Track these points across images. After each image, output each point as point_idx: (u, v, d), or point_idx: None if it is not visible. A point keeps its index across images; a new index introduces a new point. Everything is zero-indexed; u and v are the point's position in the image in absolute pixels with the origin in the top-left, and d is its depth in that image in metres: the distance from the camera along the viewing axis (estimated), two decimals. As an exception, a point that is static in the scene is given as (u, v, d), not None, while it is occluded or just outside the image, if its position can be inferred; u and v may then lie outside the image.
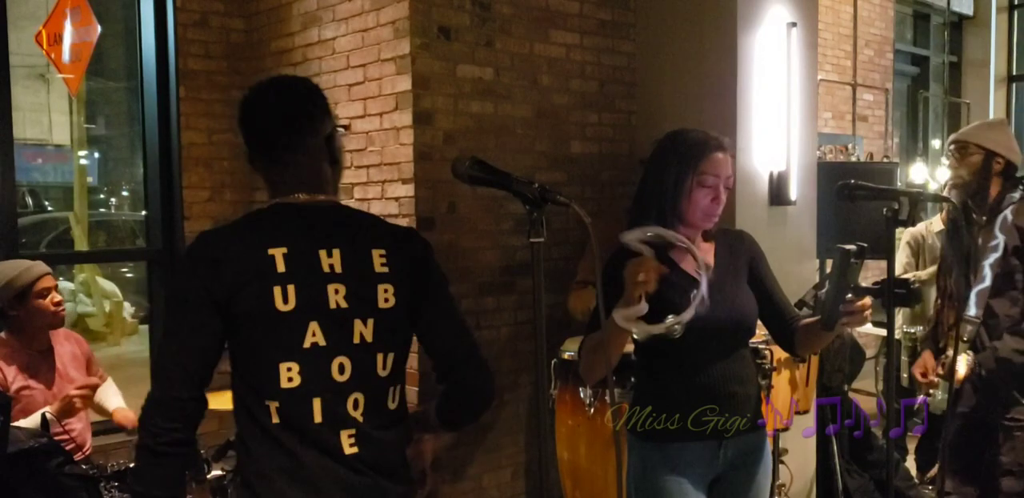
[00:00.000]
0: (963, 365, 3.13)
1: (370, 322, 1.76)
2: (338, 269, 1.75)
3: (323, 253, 1.74)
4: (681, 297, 2.09)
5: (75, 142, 8.56)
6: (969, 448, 3.20)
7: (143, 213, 4.36)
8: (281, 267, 1.69)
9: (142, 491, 1.71)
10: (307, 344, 1.71)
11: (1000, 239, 3.13)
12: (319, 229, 1.77)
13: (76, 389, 2.97)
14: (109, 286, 8.63)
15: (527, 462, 3.83)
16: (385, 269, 1.79)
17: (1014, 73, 9.62)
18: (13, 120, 3.76)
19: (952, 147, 3.31)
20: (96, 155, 9.33)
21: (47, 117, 8.92)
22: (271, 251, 1.70)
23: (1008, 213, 3.14)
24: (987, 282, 3.15)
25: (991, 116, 9.36)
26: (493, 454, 3.73)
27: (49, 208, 9.36)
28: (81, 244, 7.97)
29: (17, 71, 4.46)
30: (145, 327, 4.82)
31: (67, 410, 2.96)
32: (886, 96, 8.24)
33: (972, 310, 3.17)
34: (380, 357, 1.78)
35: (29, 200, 8.89)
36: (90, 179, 8.99)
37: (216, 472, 3.11)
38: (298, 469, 1.71)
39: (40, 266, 3.15)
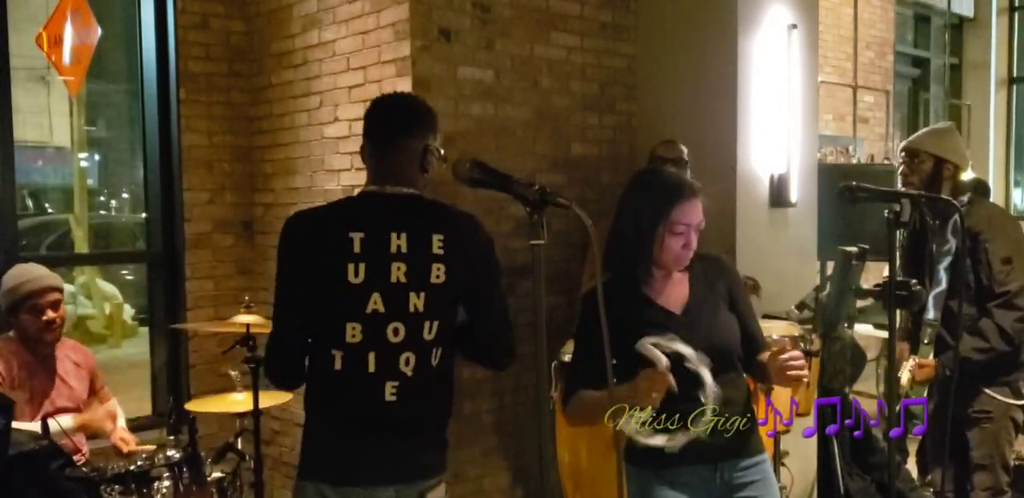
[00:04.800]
0: (906, 373, 3.18)
1: (423, 295, 2.08)
2: (403, 249, 2.07)
3: (394, 235, 2.07)
4: (658, 332, 2.12)
5: (75, 144, 8.55)
6: (943, 446, 3.25)
7: (143, 215, 4.35)
8: (357, 249, 2.05)
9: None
10: (369, 310, 2.05)
11: (952, 242, 3.21)
12: (395, 215, 2.10)
13: (120, 439, 3.17)
14: (109, 288, 8.62)
15: (528, 464, 3.83)
16: (441, 251, 2.09)
17: (1015, 75, 9.61)
18: (13, 122, 3.77)
19: (903, 154, 3.40)
20: (96, 157, 9.31)
21: (47, 119, 8.91)
22: (351, 234, 2.05)
23: (958, 217, 3.19)
24: (943, 285, 3.22)
25: (992, 118, 9.36)
26: (494, 456, 3.73)
27: (49, 210, 9.34)
28: (81, 246, 7.95)
29: (17, 73, 4.46)
30: (145, 329, 4.80)
31: (86, 429, 3.01)
32: (887, 98, 8.23)
33: (931, 313, 3.24)
34: (427, 324, 2.09)
35: (29, 202, 8.88)
36: (90, 181, 8.97)
37: (216, 474, 3.11)
38: (348, 407, 2.07)
39: (42, 281, 3.12)
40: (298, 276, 2.08)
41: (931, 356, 3.24)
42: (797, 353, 2.11)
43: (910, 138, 3.49)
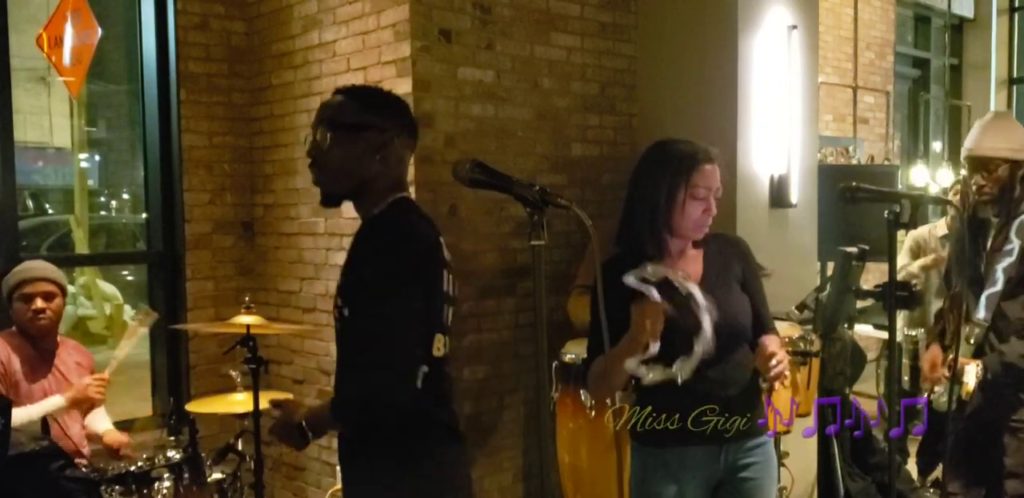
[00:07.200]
0: (972, 376, 3.09)
1: (451, 309, 2.02)
2: (448, 259, 2.00)
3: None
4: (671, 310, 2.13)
5: (76, 145, 8.55)
6: (974, 450, 3.20)
7: (144, 216, 4.35)
8: (446, 253, 1.97)
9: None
10: (448, 321, 1.99)
11: (1016, 243, 3.09)
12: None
13: (94, 379, 3.04)
14: (109, 289, 8.62)
15: (528, 465, 3.83)
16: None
17: (1014, 75, 9.62)
18: (14, 123, 3.77)
19: (971, 163, 3.16)
20: (97, 158, 9.31)
21: (48, 120, 8.91)
22: (440, 238, 1.97)
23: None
24: (999, 286, 3.11)
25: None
26: (494, 457, 3.73)
27: (50, 211, 9.34)
28: (82, 247, 7.95)
29: (18, 74, 4.47)
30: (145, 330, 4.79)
31: (81, 399, 3.00)
32: (887, 98, 8.24)
33: (981, 313, 3.14)
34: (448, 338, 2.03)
35: (30, 203, 8.89)
36: (91, 182, 8.97)
37: (217, 475, 3.11)
38: (432, 428, 1.95)
39: (36, 272, 3.18)
40: (422, 287, 1.90)
41: (971, 357, 3.15)
42: (782, 355, 2.12)
43: (977, 145, 3.15)
